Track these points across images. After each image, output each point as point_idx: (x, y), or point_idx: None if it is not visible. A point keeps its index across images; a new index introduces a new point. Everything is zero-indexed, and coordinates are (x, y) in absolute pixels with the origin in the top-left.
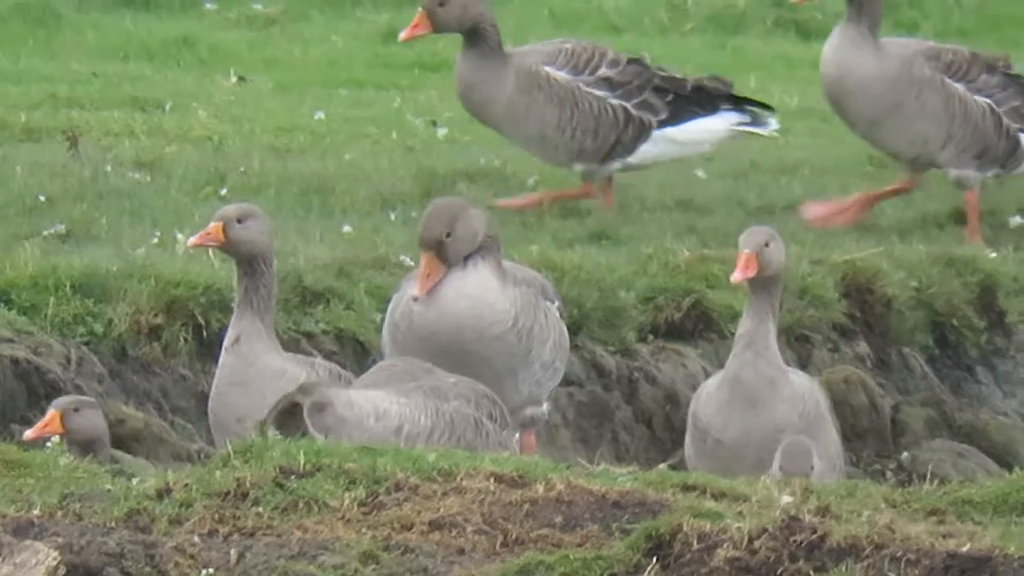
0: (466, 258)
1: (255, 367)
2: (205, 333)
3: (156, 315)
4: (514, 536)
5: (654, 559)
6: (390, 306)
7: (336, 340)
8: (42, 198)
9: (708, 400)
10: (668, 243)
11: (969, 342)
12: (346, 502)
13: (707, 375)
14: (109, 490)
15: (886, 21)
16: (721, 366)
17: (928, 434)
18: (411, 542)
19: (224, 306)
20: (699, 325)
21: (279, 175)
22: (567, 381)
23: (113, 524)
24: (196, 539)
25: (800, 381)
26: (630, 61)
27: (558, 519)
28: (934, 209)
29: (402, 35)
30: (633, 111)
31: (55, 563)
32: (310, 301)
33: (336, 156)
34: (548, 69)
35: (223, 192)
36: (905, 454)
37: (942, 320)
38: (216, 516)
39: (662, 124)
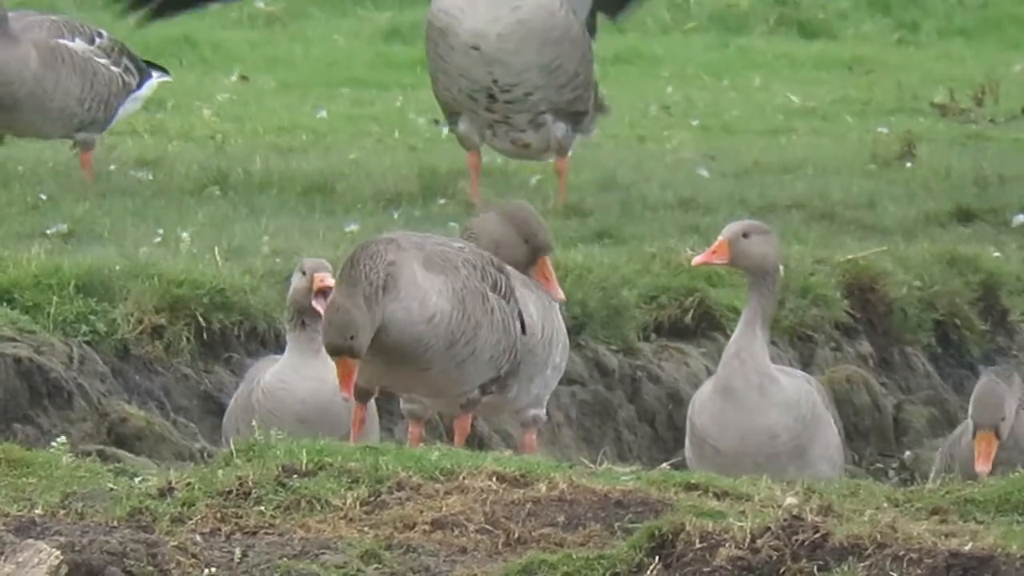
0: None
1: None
2: (207, 333)
3: (159, 314)
4: (516, 535)
5: (656, 558)
6: None
7: None
8: (44, 197)
9: (703, 409)
10: (671, 242)
11: (972, 341)
12: (348, 501)
13: (710, 374)
14: (111, 489)
15: (884, 20)
16: None
17: (931, 433)
18: (413, 541)
19: (226, 306)
20: (702, 324)
21: (282, 174)
22: (569, 380)
23: (115, 523)
24: (198, 538)
25: (792, 384)
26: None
27: (561, 518)
28: (936, 208)
29: None
30: (125, 78)
31: (57, 562)
32: None
33: (339, 155)
34: (64, 42)
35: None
36: (908, 453)
37: (945, 319)
38: (218, 515)
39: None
